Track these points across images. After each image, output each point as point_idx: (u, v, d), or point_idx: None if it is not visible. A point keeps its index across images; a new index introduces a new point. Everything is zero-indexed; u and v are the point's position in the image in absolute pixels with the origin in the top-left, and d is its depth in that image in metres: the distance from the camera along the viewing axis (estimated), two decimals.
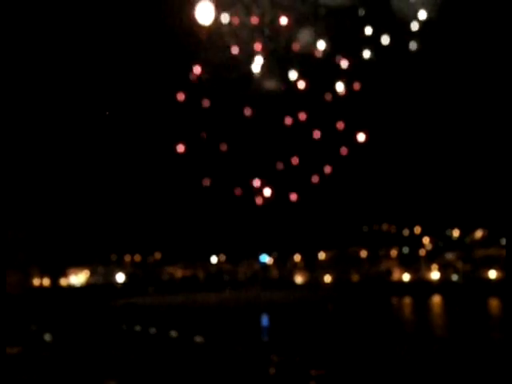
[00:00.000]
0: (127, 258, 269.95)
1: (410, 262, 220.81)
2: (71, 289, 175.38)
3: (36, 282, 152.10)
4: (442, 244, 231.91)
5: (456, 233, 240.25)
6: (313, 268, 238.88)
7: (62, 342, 53.87)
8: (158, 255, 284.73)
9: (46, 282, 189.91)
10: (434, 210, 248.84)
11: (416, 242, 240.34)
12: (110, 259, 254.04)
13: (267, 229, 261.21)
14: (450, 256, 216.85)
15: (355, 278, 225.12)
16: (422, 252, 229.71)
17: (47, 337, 52.95)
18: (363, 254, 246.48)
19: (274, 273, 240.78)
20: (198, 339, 49.74)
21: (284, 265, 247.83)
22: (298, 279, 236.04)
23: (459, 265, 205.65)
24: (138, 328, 61.22)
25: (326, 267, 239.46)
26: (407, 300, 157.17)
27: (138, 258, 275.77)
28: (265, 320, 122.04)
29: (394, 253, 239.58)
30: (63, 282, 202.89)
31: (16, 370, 39.73)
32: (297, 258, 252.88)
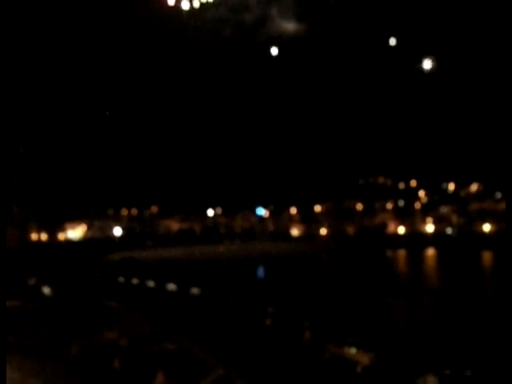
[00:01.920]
0: (124, 211, 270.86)
1: (405, 215, 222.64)
2: (69, 243, 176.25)
3: (34, 236, 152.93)
4: (437, 197, 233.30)
5: (451, 186, 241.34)
6: (309, 220, 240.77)
7: (60, 295, 54.51)
8: (154, 209, 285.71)
9: (44, 236, 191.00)
10: (430, 164, 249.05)
11: (411, 195, 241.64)
12: (106, 213, 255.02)
13: (263, 182, 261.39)
14: (444, 209, 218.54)
15: (351, 230, 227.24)
16: (417, 205, 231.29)
17: (46, 290, 53.54)
18: (359, 206, 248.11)
19: (270, 225, 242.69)
20: (195, 291, 50.40)
21: (280, 217, 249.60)
22: (294, 232, 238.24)
23: (454, 218, 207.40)
24: (135, 281, 61.91)
25: (321, 220, 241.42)
26: (402, 252, 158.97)
27: (134, 211, 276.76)
28: (260, 272, 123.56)
29: (389, 206, 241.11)
30: (61, 236, 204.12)
31: (16, 323, 40.38)
32: (292, 210, 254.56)
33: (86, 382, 24.38)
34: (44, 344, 32.92)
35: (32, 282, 57.76)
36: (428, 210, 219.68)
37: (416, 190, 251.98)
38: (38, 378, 24.43)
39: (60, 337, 35.28)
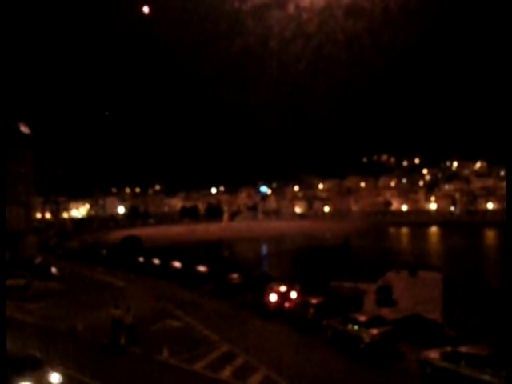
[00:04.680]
0: (127, 190, 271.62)
1: (409, 193, 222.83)
2: (73, 221, 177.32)
3: (38, 215, 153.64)
4: (441, 175, 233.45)
5: (455, 164, 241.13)
6: (312, 198, 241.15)
7: (67, 273, 55.00)
8: (157, 187, 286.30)
9: (48, 215, 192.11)
10: (434, 142, 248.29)
11: (415, 173, 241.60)
12: (110, 192, 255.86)
13: (266, 159, 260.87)
14: (448, 187, 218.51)
15: (354, 207, 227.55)
16: (421, 183, 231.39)
17: (53, 269, 54.01)
18: (362, 184, 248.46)
19: (273, 203, 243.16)
20: (201, 268, 50.64)
21: (283, 195, 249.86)
22: (297, 209, 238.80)
23: (457, 196, 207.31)
24: (141, 259, 62.24)
25: (325, 197, 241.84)
26: (405, 230, 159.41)
27: (138, 190, 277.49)
28: (264, 248, 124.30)
29: (393, 183, 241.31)
30: (65, 214, 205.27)
31: (23, 300, 40.85)
32: (296, 188, 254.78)
33: (91, 358, 24.75)
34: (49, 321, 33.34)
35: (38, 260, 58.27)
36: (432, 188, 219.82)
37: (419, 167, 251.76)
38: (41, 354, 24.78)
39: (66, 314, 35.79)
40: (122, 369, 23.22)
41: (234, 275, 44.57)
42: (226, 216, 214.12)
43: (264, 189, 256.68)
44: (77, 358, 24.64)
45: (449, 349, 21.17)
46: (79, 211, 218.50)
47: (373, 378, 21.88)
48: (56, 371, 20.23)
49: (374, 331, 25.04)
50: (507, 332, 18.31)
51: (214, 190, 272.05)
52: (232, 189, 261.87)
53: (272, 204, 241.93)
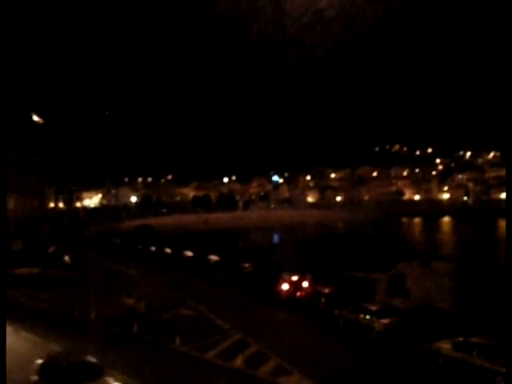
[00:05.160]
0: (140, 179, 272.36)
1: (422, 183, 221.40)
2: (86, 211, 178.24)
3: (51, 205, 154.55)
4: (454, 165, 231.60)
5: (468, 154, 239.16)
6: (324, 187, 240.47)
7: (79, 262, 55.40)
8: (170, 176, 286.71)
9: (61, 205, 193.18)
10: (447, 131, 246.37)
11: (428, 163, 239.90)
12: (122, 181, 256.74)
13: (278, 149, 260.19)
14: (461, 177, 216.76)
15: (366, 197, 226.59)
16: (434, 172, 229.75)
17: (66, 258, 54.42)
18: (375, 173, 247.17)
19: (285, 192, 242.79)
20: (213, 257, 50.84)
21: (295, 184, 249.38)
22: (309, 199, 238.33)
23: (470, 185, 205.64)
24: (153, 248, 62.57)
25: (337, 187, 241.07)
26: (417, 220, 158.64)
27: (150, 179, 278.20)
28: (276, 238, 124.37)
29: (405, 173, 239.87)
30: (78, 204, 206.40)
31: (37, 289, 41.28)
32: (308, 177, 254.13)
33: (105, 346, 24.98)
34: (63, 309, 33.69)
35: (52, 249, 58.72)
36: (444, 178, 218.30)
37: (432, 157, 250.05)
38: (57, 342, 25.09)
39: (79, 302, 36.12)
40: (134, 357, 23.44)
41: (246, 264, 44.75)
42: (239, 205, 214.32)
43: (276, 178, 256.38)
44: (90, 346, 24.89)
45: (460, 339, 21.16)
46: (92, 201, 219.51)
47: (385, 368, 21.93)
48: (118, 381, 18.39)
49: (386, 321, 25.09)
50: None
51: (225, 180, 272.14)
52: (244, 178, 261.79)
53: (284, 193, 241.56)
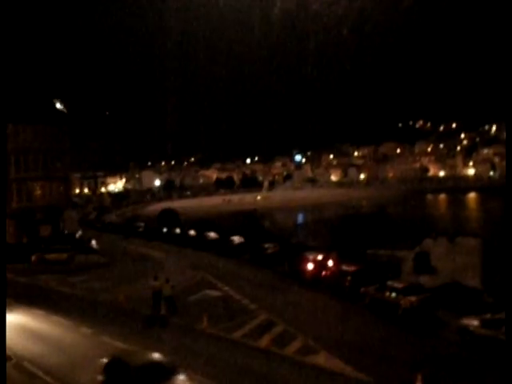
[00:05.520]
0: (163, 163, 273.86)
1: (446, 159, 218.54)
2: (111, 195, 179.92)
3: (77, 190, 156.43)
4: (479, 139, 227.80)
5: (494, 128, 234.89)
6: (347, 166, 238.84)
7: (107, 246, 56.17)
8: (192, 159, 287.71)
9: (86, 190, 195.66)
10: (472, 105, 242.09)
11: (452, 138, 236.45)
12: (146, 165, 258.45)
13: (300, 128, 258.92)
14: (487, 151, 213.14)
15: (390, 174, 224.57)
16: (459, 148, 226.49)
17: (93, 243, 55.18)
18: (398, 150, 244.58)
19: (308, 171, 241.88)
20: (238, 239, 51.02)
21: (318, 163, 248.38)
22: (333, 177, 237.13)
23: (497, 160, 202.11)
24: (177, 231, 63.03)
25: (360, 164, 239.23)
26: (442, 197, 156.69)
27: (173, 162, 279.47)
28: (300, 217, 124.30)
29: (429, 149, 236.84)
30: (102, 189, 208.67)
31: (65, 273, 41.99)
32: (331, 156, 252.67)
33: (133, 329, 25.34)
34: (92, 293, 34.23)
35: (79, 234, 59.59)
36: (469, 153, 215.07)
37: (457, 132, 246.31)
38: (88, 326, 25.54)
39: (107, 286, 36.67)
40: (162, 339, 23.75)
41: (271, 244, 44.87)
42: (265, 185, 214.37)
43: (299, 158, 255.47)
44: (120, 329, 25.29)
45: (488, 316, 21.01)
46: (116, 185, 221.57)
47: (412, 345, 21.90)
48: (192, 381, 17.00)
49: (412, 298, 24.99)
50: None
51: (248, 161, 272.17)
52: (267, 159, 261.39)
53: (307, 173, 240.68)
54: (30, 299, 31.22)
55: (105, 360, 17.20)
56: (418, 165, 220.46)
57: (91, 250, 52.07)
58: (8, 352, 21.95)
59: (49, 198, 56.89)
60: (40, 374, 19.52)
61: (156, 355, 17.04)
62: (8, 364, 20.64)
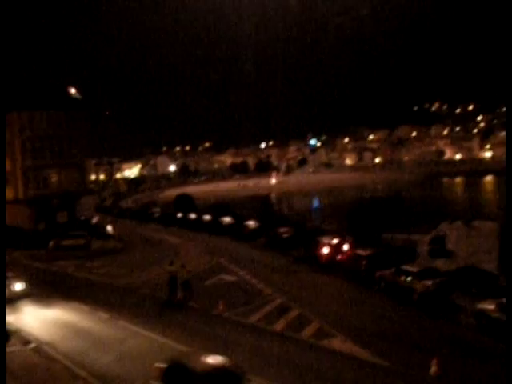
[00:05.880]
0: (178, 148, 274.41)
1: (463, 141, 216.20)
2: (127, 181, 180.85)
3: (92, 177, 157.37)
4: (497, 121, 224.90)
5: None
6: (362, 149, 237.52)
7: (123, 232, 56.58)
8: (207, 144, 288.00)
9: (102, 176, 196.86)
10: (488, 87, 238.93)
11: (469, 120, 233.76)
12: (161, 151, 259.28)
13: (315, 112, 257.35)
14: (504, 134, 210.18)
15: (406, 158, 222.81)
16: (476, 130, 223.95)
17: (109, 229, 55.61)
18: (414, 133, 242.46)
19: (323, 155, 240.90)
20: (253, 223, 51.08)
21: (333, 147, 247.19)
22: (348, 161, 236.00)
23: None
24: (192, 216, 63.27)
25: (375, 148, 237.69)
26: (459, 180, 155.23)
27: (188, 148, 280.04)
28: (315, 202, 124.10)
29: (445, 132, 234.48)
30: (118, 175, 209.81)
31: (81, 258, 42.44)
32: (346, 139, 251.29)
33: (150, 313, 25.57)
34: (109, 278, 34.56)
35: (95, 220, 60.08)
36: (487, 135, 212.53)
37: (474, 114, 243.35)
38: (105, 310, 25.82)
39: (124, 271, 37.02)
40: (179, 323, 23.94)
41: (286, 229, 44.90)
42: (282, 169, 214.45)
43: (313, 142, 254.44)
44: (137, 313, 25.53)
45: (505, 299, 20.87)
46: (132, 171, 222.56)
47: (428, 329, 21.86)
48: None
49: (427, 282, 24.90)
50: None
51: (263, 145, 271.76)
52: (281, 143, 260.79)
53: (322, 157, 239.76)
54: (47, 285, 31.65)
55: (162, 365, 15.43)
56: (433, 148, 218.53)
57: (107, 236, 52.51)
58: (28, 336, 22.41)
59: (65, 184, 57.32)
60: (59, 357, 19.79)
61: (221, 358, 15.07)
62: (28, 348, 21.15)
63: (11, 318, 24.00)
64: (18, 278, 29.09)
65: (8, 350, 20.22)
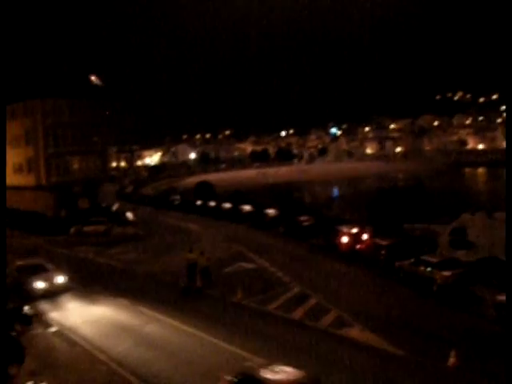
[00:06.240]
0: (198, 136, 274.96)
1: (486, 131, 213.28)
2: (147, 169, 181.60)
3: (113, 164, 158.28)
4: None
5: None
6: (384, 138, 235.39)
7: (143, 219, 56.93)
8: (227, 132, 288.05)
9: (123, 164, 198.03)
10: None
11: (492, 110, 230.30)
12: (181, 138, 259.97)
13: (336, 100, 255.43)
14: None
15: (427, 147, 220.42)
16: (499, 120, 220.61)
17: (130, 216, 55.93)
18: (436, 123, 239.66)
19: (344, 144, 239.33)
20: (272, 211, 51.07)
21: (354, 136, 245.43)
22: (369, 150, 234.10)
23: None
24: (212, 203, 63.37)
25: (397, 137, 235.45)
26: (481, 170, 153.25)
27: (208, 135, 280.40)
28: (336, 191, 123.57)
29: (468, 121, 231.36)
30: (139, 163, 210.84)
31: (102, 245, 42.88)
32: (367, 128, 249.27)
33: (170, 300, 25.79)
34: (129, 264, 34.89)
35: (116, 207, 60.49)
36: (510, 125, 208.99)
37: (497, 103, 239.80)
38: (125, 296, 26.11)
39: (144, 257, 37.33)
40: (198, 309, 24.13)
41: (306, 217, 44.81)
42: (304, 157, 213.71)
43: (334, 130, 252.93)
44: (156, 299, 25.77)
45: None
46: (152, 159, 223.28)
47: (447, 320, 21.72)
48: None
49: (447, 273, 24.72)
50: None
51: (283, 133, 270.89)
52: (302, 131, 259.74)
53: (342, 145, 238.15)
54: (69, 271, 32.07)
55: (231, 378, 14.36)
56: (456, 138, 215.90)
57: (128, 223, 52.88)
58: (50, 321, 22.82)
59: (86, 171, 57.84)
60: (80, 341, 20.12)
61: (296, 372, 13.82)
62: (49, 331, 21.61)
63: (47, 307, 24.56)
64: (59, 270, 28.50)
65: (30, 333, 20.69)
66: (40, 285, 26.55)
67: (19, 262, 28.66)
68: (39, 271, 27.47)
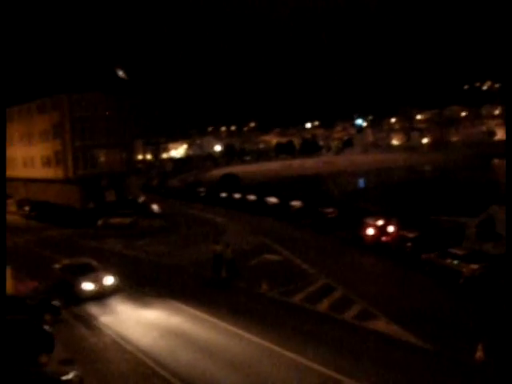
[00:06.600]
0: (223, 128, 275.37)
1: None
2: (173, 161, 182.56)
3: (139, 157, 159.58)
4: None
5: None
6: (410, 129, 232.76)
7: (169, 211, 57.35)
8: (252, 124, 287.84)
9: (149, 156, 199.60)
10: None
11: None
12: (206, 131, 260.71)
13: (362, 91, 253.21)
14: None
15: (455, 138, 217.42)
16: None
17: (155, 208, 56.37)
18: (463, 113, 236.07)
19: (370, 136, 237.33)
20: (297, 203, 51.01)
21: (380, 127, 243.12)
22: (395, 141, 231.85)
23: None
24: (237, 196, 63.54)
25: (423, 128, 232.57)
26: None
27: (233, 128, 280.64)
28: (362, 182, 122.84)
29: (497, 112, 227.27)
30: (164, 155, 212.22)
31: (128, 237, 43.31)
32: (393, 119, 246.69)
33: (196, 291, 26.00)
34: (156, 256, 35.21)
35: (142, 199, 61.04)
36: None
37: None
38: (151, 288, 26.42)
39: (170, 249, 37.61)
40: (223, 301, 24.27)
41: (331, 209, 44.65)
42: (332, 148, 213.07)
43: (360, 122, 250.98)
44: (182, 290, 26.00)
45: None
46: (178, 151, 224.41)
47: (473, 314, 21.49)
48: None
49: (474, 266, 24.44)
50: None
51: (308, 125, 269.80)
52: (327, 123, 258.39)
53: (368, 137, 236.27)
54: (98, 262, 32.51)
55: None
56: (484, 128, 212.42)
57: (154, 215, 53.28)
58: (78, 311, 23.23)
59: (113, 164, 58.47)
60: (107, 331, 20.48)
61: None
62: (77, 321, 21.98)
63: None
64: (108, 271, 27.05)
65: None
66: (89, 286, 25.35)
67: (65, 261, 28.17)
68: (87, 271, 26.25)
